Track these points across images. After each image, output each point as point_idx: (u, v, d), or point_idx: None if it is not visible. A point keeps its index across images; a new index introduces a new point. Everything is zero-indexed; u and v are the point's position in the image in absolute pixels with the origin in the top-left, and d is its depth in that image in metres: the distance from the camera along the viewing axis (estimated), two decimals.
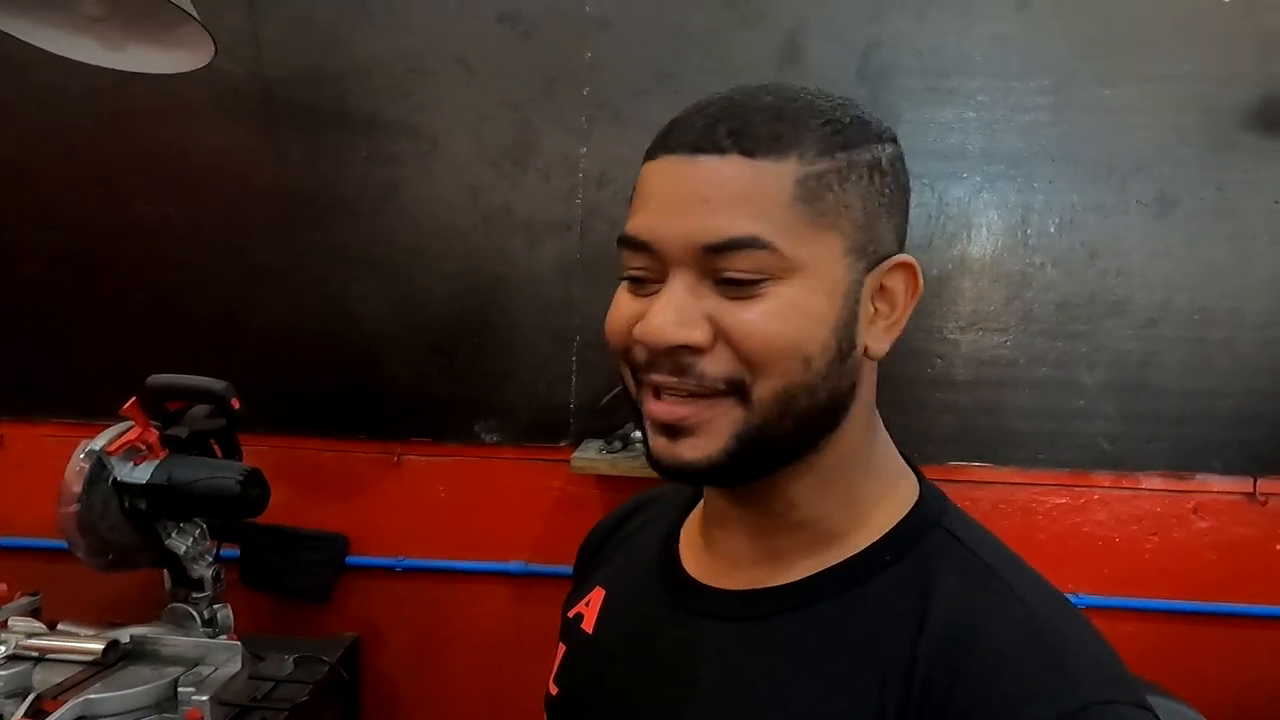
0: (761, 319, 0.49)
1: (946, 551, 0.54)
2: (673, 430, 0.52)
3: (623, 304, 0.54)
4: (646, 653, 0.60)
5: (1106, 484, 1.64)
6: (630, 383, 0.56)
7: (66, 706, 1.25)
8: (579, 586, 0.72)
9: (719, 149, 0.50)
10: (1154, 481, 1.63)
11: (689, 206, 0.49)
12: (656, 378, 0.52)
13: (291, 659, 1.53)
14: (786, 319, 0.49)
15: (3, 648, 1.33)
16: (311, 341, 1.68)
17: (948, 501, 0.59)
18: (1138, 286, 1.61)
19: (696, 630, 0.58)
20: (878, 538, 0.56)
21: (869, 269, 0.52)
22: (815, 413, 0.52)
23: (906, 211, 0.56)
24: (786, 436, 0.52)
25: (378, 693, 1.73)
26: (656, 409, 0.52)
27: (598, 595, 0.68)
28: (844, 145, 0.51)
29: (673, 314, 0.50)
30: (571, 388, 1.68)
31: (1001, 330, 1.64)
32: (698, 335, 0.50)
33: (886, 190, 0.53)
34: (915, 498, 0.58)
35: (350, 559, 1.71)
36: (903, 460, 0.61)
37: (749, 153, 0.49)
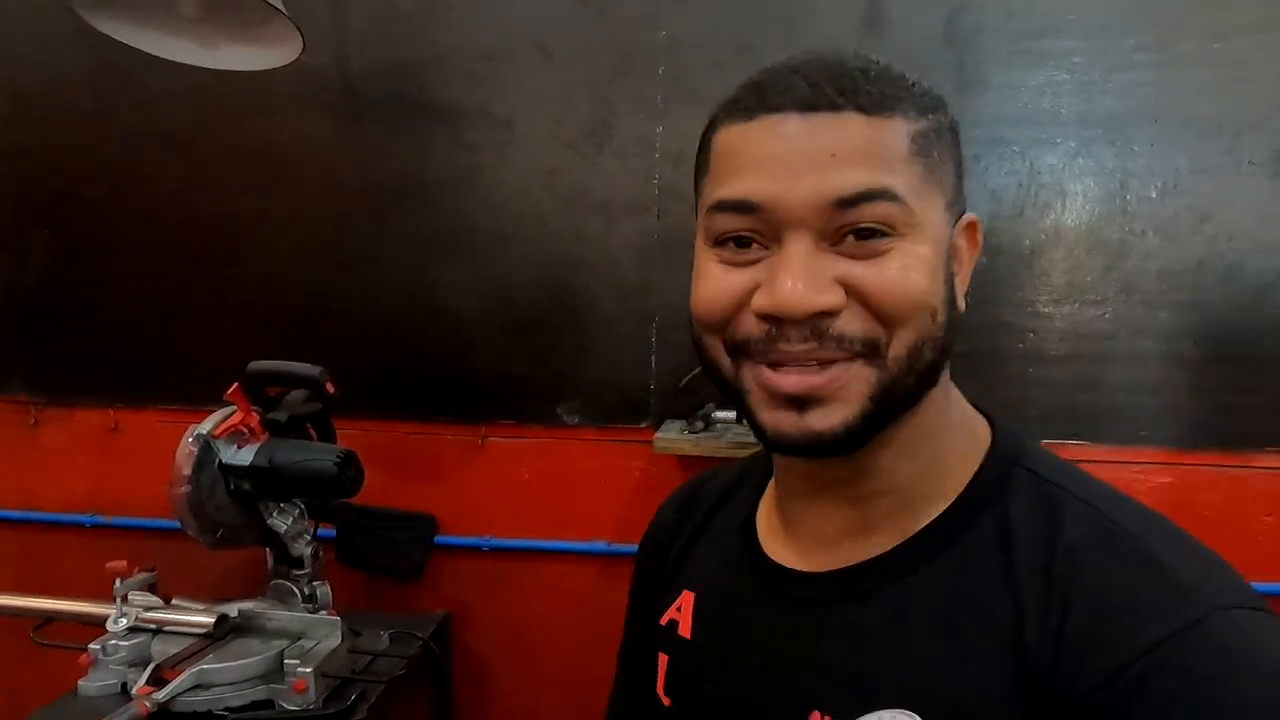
0: (900, 273, 0.49)
1: (1029, 490, 0.53)
2: (803, 402, 0.50)
3: (719, 275, 0.52)
4: (756, 651, 0.59)
5: (1216, 461, 1.55)
6: (723, 360, 0.54)
7: (184, 675, 1.33)
8: (659, 590, 0.71)
9: (834, 106, 0.49)
10: (1269, 459, 1.53)
11: (814, 163, 0.48)
12: (786, 348, 0.50)
13: (387, 634, 1.58)
14: (919, 273, 0.49)
15: (125, 620, 1.41)
16: (398, 327, 1.72)
17: (1024, 439, 0.58)
18: (1249, 251, 1.51)
19: (802, 620, 0.57)
20: (961, 491, 0.55)
21: (953, 225, 0.53)
22: (933, 366, 0.52)
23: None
24: (907, 393, 0.52)
25: (468, 668, 1.78)
26: (784, 381, 0.50)
27: (688, 599, 0.66)
28: (933, 107, 0.52)
29: (807, 279, 0.48)
30: (651, 368, 1.68)
31: (1099, 302, 1.56)
32: (835, 299, 0.49)
33: (959, 151, 0.55)
34: (989, 442, 0.57)
35: (439, 539, 1.75)
36: (972, 408, 0.60)
37: (865, 110, 0.49)
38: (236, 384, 1.40)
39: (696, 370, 1.61)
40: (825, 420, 0.50)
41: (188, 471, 1.37)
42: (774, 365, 0.51)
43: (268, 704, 1.36)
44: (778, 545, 0.61)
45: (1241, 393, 1.53)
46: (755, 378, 0.52)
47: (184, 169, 1.75)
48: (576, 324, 1.70)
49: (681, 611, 0.66)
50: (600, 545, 1.71)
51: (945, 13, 1.54)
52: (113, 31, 1.30)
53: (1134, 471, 1.57)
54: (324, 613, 1.48)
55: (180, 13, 1.29)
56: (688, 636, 0.65)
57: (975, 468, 0.55)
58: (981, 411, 0.60)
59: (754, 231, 0.51)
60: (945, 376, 0.56)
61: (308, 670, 1.35)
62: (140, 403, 1.80)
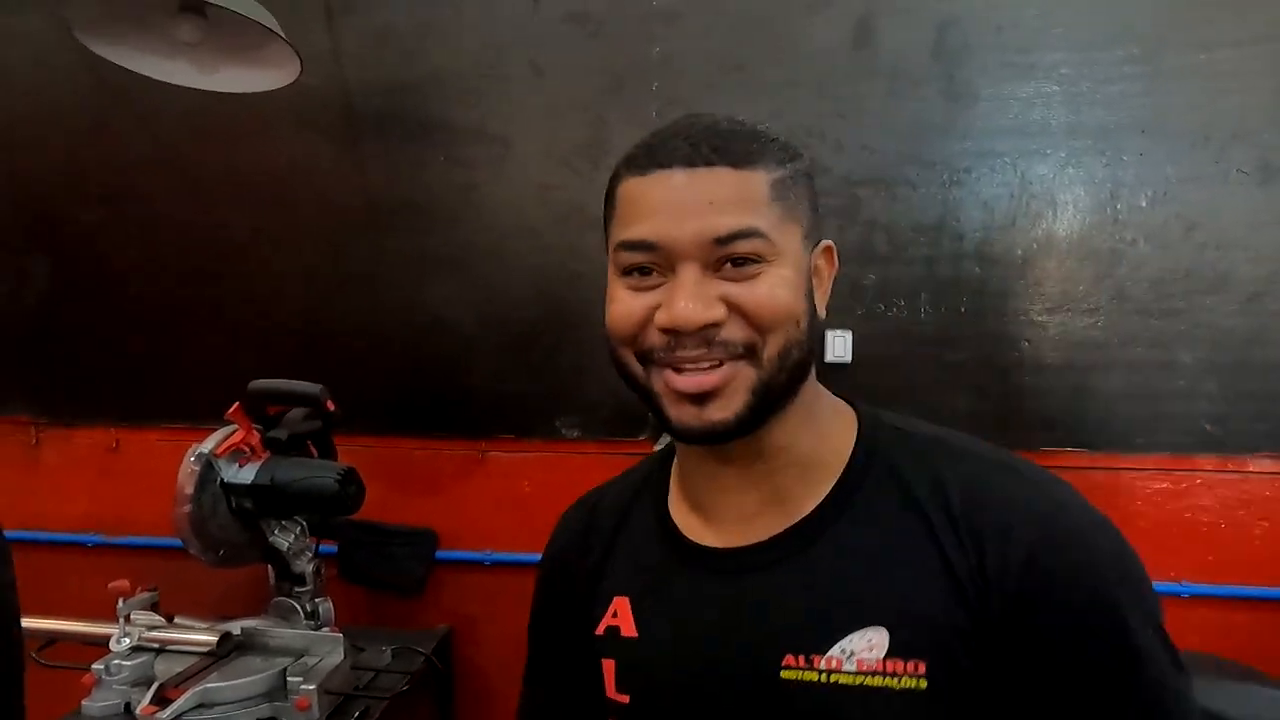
0: (768, 291, 0.61)
1: (903, 446, 0.67)
2: (701, 398, 0.62)
3: (627, 299, 0.64)
4: (708, 629, 0.67)
5: (1210, 467, 1.56)
6: (636, 368, 0.65)
7: (188, 694, 1.33)
8: (581, 605, 0.76)
9: (709, 162, 0.61)
10: (1262, 463, 1.55)
11: (696, 209, 0.60)
12: (683, 354, 0.62)
13: (389, 650, 1.59)
14: (783, 290, 0.61)
15: (128, 640, 1.42)
16: (397, 344, 1.74)
17: (877, 409, 0.71)
18: (1240, 260, 1.53)
19: (744, 589, 0.66)
20: (848, 457, 0.67)
21: (810, 251, 0.66)
22: (801, 364, 0.64)
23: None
24: (783, 386, 0.63)
25: (471, 683, 1.79)
26: (684, 382, 0.62)
27: (622, 604, 0.73)
28: (789, 158, 0.65)
29: (696, 299, 0.60)
30: None
31: (1092, 311, 1.58)
32: (719, 313, 0.61)
33: (814, 191, 0.67)
34: (856, 416, 0.71)
35: (440, 553, 1.76)
36: (832, 394, 0.73)
37: (734, 164, 0.61)
38: (237, 403, 1.41)
39: None
40: (721, 412, 0.62)
41: (190, 490, 1.38)
42: (676, 369, 0.62)
43: None
44: (701, 533, 0.70)
45: (1235, 399, 1.55)
46: (662, 381, 0.63)
47: (182, 190, 1.77)
48: (574, 338, 1.71)
49: (619, 616, 0.73)
50: None
51: (933, 29, 1.56)
52: (113, 56, 1.32)
53: (1131, 478, 1.58)
54: (326, 629, 1.48)
55: (179, 38, 1.31)
56: (634, 635, 0.71)
57: (854, 437, 0.68)
58: (841, 396, 0.74)
59: (653, 263, 0.62)
60: (811, 374, 0.68)
61: (311, 688, 1.35)
62: (140, 422, 1.81)
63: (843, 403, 0.72)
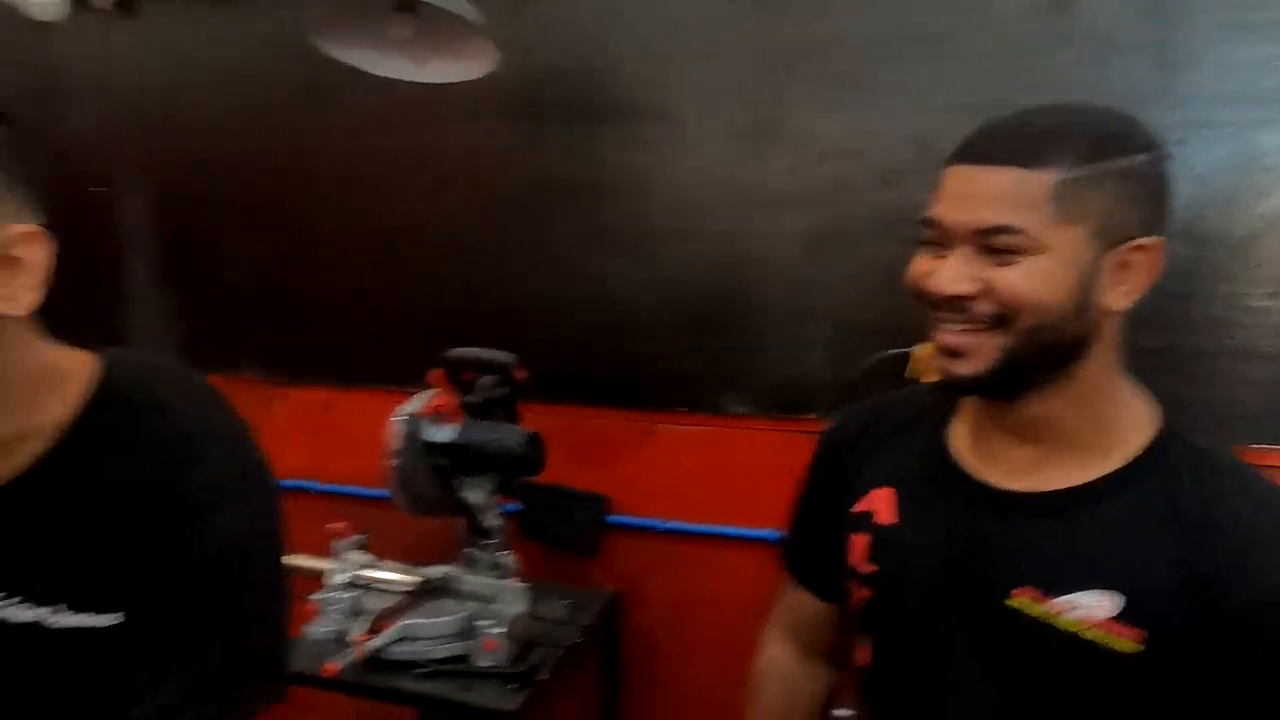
0: (1019, 277, 0.70)
1: (1190, 459, 0.74)
2: (951, 353, 0.75)
3: (921, 263, 0.77)
4: (963, 541, 0.79)
5: None
6: (927, 320, 0.77)
7: (394, 627, 1.50)
8: (843, 483, 0.91)
9: (995, 161, 0.71)
10: None
11: (971, 202, 0.71)
12: (941, 315, 0.75)
13: (564, 604, 1.70)
14: (1036, 280, 0.70)
15: (345, 575, 1.60)
16: (576, 319, 1.83)
17: (1188, 434, 0.77)
18: None
19: (1004, 525, 0.77)
20: (1131, 450, 0.76)
21: (1109, 248, 0.71)
22: (1058, 345, 0.73)
23: (1161, 203, 0.74)
24: (1033, 361, 0.73)
25: (636, 643, 1.87)
26: (941, 337, 0.75)
27: (885, 494, 0.86)
28: (1098, 157, 0.70)
29: (951, 274, 0.73)
30: (819, 361, 1.69)
31: None
32: (968, 288, 0.72)
33: (1137, 189, 0.71)
34: (1161, 422, 0.77)
35: (612, 518, 1.85)
36: (1143, 398, 0.79)
37: (1018, 164, 0.69)
38: (439, 369, 1.54)
39: (872, 360, 1.62)
40: (963, 369, 0.74)
41: (397, 446, 1.53)
42: (940, 327, 0.75)
43: (462, 659, 1.50)
44: (975, 466, 0.82)
45: None
46: (933, 333, 0.77)
47: (385, 175, 1.94)
48: (745, 316, 1.73)
49: (878, 503, 0.86)
50: (768, 532, 1.74)
51: None
52: (338, 54, 1.47)
53: None
54: (511, 580, 1.60)
55: (393, 35, 1.44)
56: (894, 522, 0.85)
57: (1145, 435, 0.76)
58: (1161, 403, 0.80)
59: (938, 239, 0.75)
60: (1106, 361, 0.76)
61: (499, 632, 1.48)
62: (350, 384, 2.01)
63: (1144, 403, 0.79)
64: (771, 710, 1.05)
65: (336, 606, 1.59)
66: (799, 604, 1.03)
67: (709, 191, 1.73)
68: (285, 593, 0.75)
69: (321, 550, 1.64)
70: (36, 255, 0.62)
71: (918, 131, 1.56)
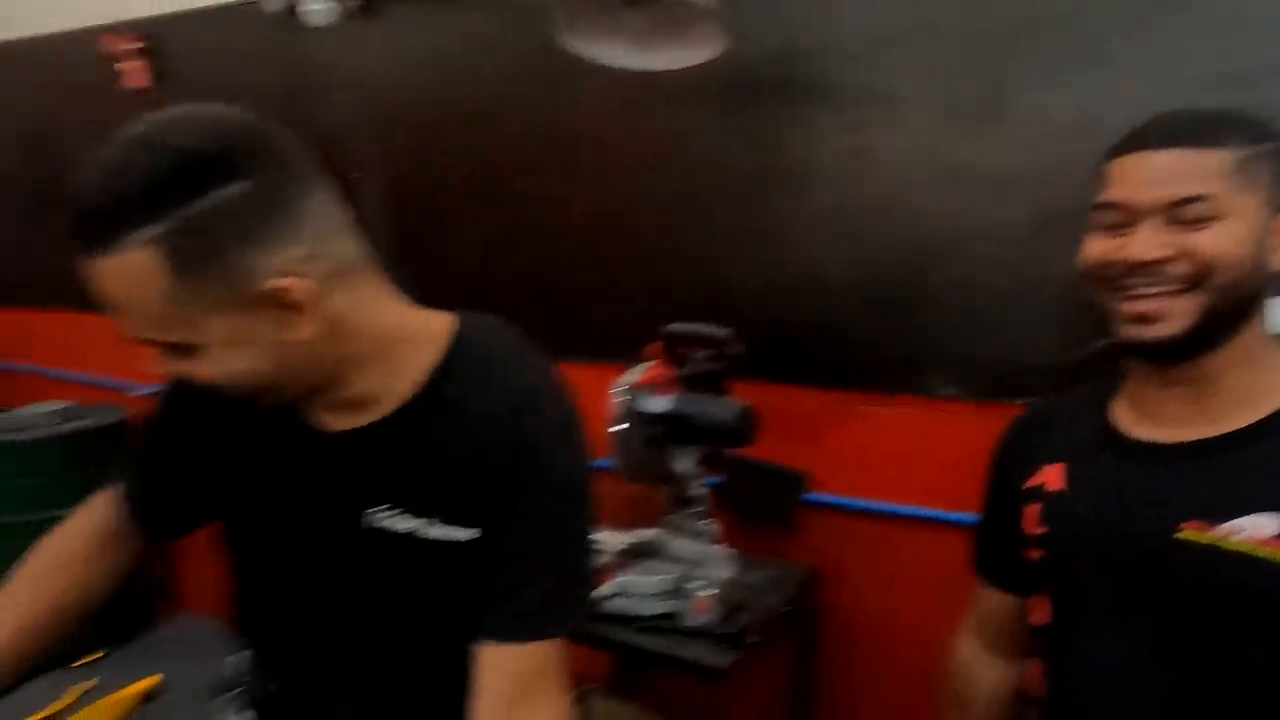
0: (1210, 239, 0.81)
1: None
2: (1145, 319, 0.83)
3: (1100, 242, 0.88)
4: (1128, 493, 0.87)
5: None
6: (1100, 295, 0.88)
7: (612, 582, 1.60)
8: (1019, 470, 0.99)
9: (1183, 144, 0.83)
10: None
11: (1158, 179, 0.83)
12: (1136, 282, 0.83)
13: (764, 575, 1.75)
14: (1225, 240, 0.81)
15: None
16: (785, 298, 1.87)
17: None
18: None
19: (1168, 472, 0.86)
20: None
21: (1274, 215, 0.84)
22: (1241, 302, 0.83)
23: None
24: (1226, 317, 0.83)
25: (831, 619, 1.90)
26: (1137, 306, 0.84)
27: (1056, 468, 0.94)
28: (1264, 138, 0.83)
29: (1148, 243, 0.82)
30: (1036, 346, 1.65)
31: None
32: (1166, 252, 0.82)
33: None
34: None
35: (810, 496, 1.88)
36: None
37: (1197, 146, 0.82)
38: (657, 342, 1.63)
39: (1095, 346, 1.56)
40: (1162, 330, 0.83)
41: (618, 415, 1.63)
42: (1131, 296, 0.84)
43: (673, 617, 1.59)
44: (1137, 430, 0.90)
45: None
46: (1119, 304, 0.85)
47: (601, 160, 2.05)
48: (958, 298, 1.71)
49: (1049, 476, 0.94)
50: (969, 516, 1.72)
51: None
52: (579, 49, 1.57)
53: None
54: (717, 547, 1.67)
55: (628, 28, 1.52)
56: (1062, 489, 0.93)
57: None
58: None
59: (1120, 221, 0.85)
60: (1261, 320, 0.86)
61: (710, 593, 1.55)
62: (571, 357, 2.14)
63: None
64: (956, 700, 1.15)
65: None
66: (985, 600, 1.11)
67: (924, 171, 1.71)
68: (594, 523, 0.85)
69: None
70: (306, 296, 0.69)
71: (1161, 105, 1.48)
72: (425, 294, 2.41)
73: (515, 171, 2.16)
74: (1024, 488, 0.97)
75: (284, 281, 0.67)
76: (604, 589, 1.59)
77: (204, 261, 0.64)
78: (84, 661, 0.93)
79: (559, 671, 0.80)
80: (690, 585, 1.60)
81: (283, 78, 2.49)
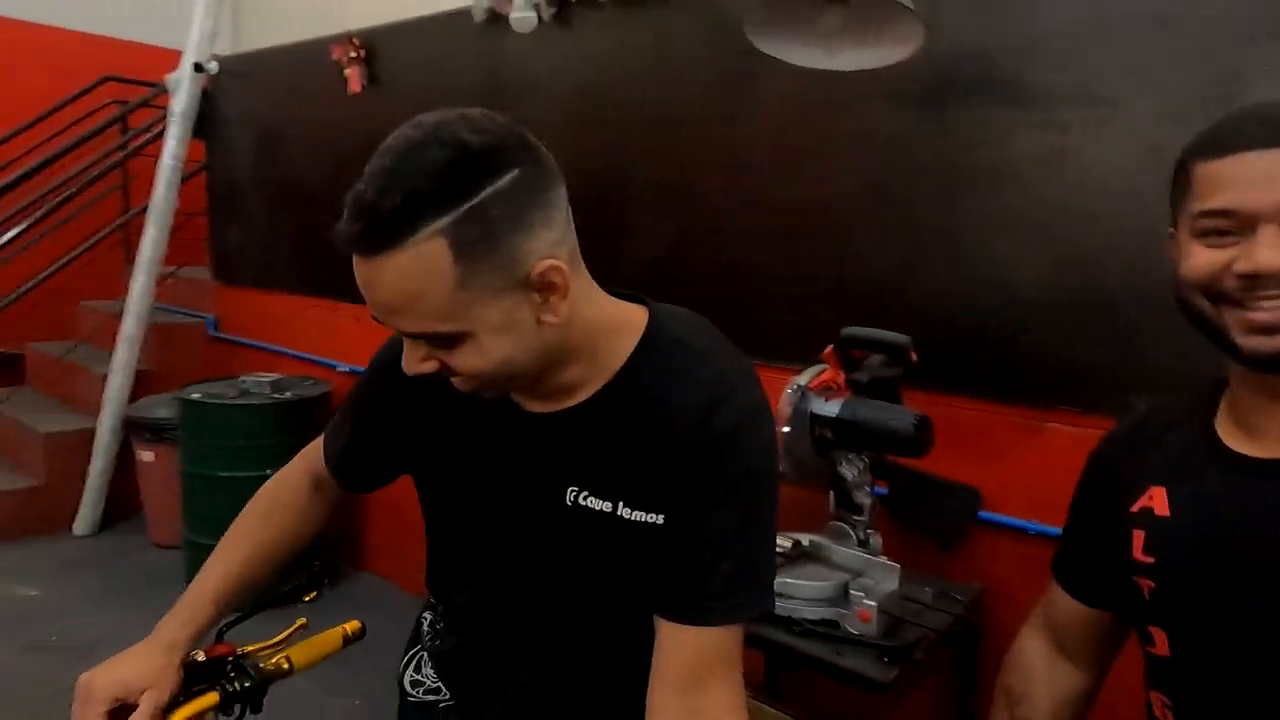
0: None
1: None
2: (1269, 329, 0.77)
3: (1206, 254, 0.80)
4: (1234, 514, 0.82)
5: None
6: (1206, 307, 0.81)
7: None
8: (1119, 490, 0.92)
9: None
10: None
11: (1274, 181, 0.76)
12: (1260, 294, 0.77)
13: (930, 591, 1.69)
14: None
15: None
16: (968, 305, 1.80)
17: None
18: None
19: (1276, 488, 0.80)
20: None
21: None
22: None
23: None
24: None
25: (998, 644, 1.81)
26: (1260, 317, 0.77)
27: (1159, 491, 0.88)
28: None
29: (1275, 250, 0.75)
30: None
31: None
32: None
33: None
34: None
35: (982, 514, 1.80)
36: None
37: None
38: (831, 345, 1.61)
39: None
40: None
41: (787, 414, 1.63)
42: (1251, 307, 0.77)
43: (833, 624, 1.57)
44: (1243, 445, 0.84)
45: None
46: (1235, 317, 0.79)
47: (783, 160, 2.05)
48: (1163, 310, 1.58)
49: (1153, 499, 0.88)
50: None
51: None
52: (768, 48, 1.58)
53: None
54: (882, 558, 1.64)
55: (823, 28, 1.52)
56: (1167, 514, 0.87)
57: None
58: None
59: (1230, 227, 0.78)
60: None
61: (873, 604, 1.52)
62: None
63: None
64: (1009, 693, 1.09)
65: None
66: (1057, 604, 1.06)
67: (1139, 175, 1.59)
68: (777, 513, 0.87)
69: None
70: (564, 278, 0.74)
71: None
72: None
73: (698, 172, 2.21)
74: (1127, 511, 0.91)
75: (550, 262, 0.72)
76: None
77: (484, 248, 0.69)
78: (303, 601, 1.05)
79: (736, 658, 0.81)
80: (852, 593, 1.57)
81: (484, 82, 2.67)
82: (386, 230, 0.67)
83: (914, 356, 1.58)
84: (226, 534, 0.98)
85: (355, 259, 0.70)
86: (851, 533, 1.70)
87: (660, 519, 0.82)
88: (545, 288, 0.74)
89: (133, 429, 3.54)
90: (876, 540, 1.70)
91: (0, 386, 4.22)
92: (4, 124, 4.20)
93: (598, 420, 0.83)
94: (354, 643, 1.05)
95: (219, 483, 3.00)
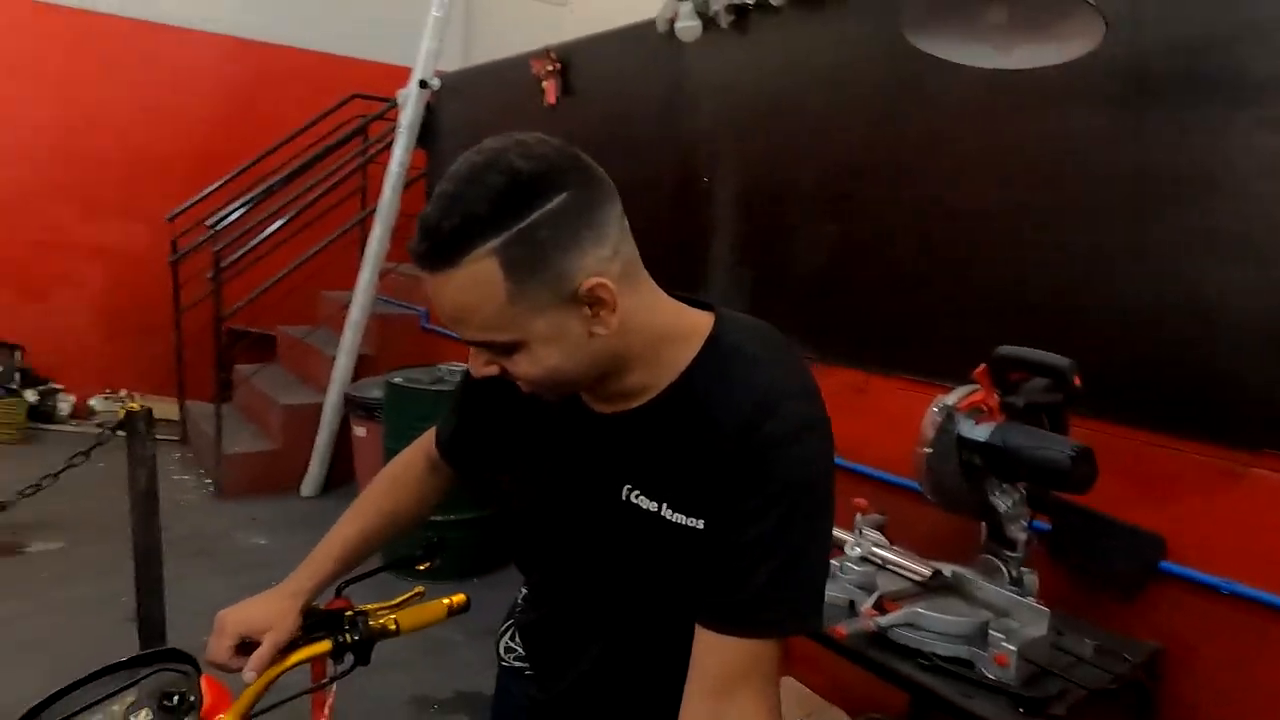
0: None
1: None
2: None
3: None
4: None
5: None
6: None
7: (902, 611, 1.52)
8: None
9: None
10: None
11: None
12: None
13: (1091, 644, 1.52)
14: None
15: (859, 549, 1.68)
16: (1155, 329, 1.60)
17: None
18: None
19: None
20: None
21: None
22: None
23: None
24: None
25: (1173, 712, 1.59)
26: None
27: None
28: None
29: None
30: None
31: None
32: None
33: None
34: None
35: (1164, 564, 1.59)
36: None
37: None
38: (984, 364, 1.50)
39: None
40: None
41: (929, 435, 1.54)
42: None
43: (967, 664, 1.45)
44: None
45: None
46: None
47: (946, 168, 1.93)
48: None
49: None
50: None
51: None
52: (928, 47, 1.50)
53: None
54: (1031, 600, 1.50)
55: (988, 22, 1.41)
56: None
57: None
58: None
59: None
60: None
61: (1013, 649, 1.40)
62: (885, 369, 2.07)
63: None
64: None
65: (849, 576, 1.67)
66: None
67: None
68: (830, 534, 0.83)
69: (841, 522, 1.74)
70: (611, 294, 0.77)
71: None
72: (759, 296, 2.49)
73: (865, 178, 2.13)
74: None
75: (597, 280, 0.76)
76: (893, 616, 1.52)
77: (533, 266, 0.73)
78: (419, 569, 1.16)
79: (770, 672, 0.79)
80: (991, 634, 1.45)
81: (665, 91, 2.74)
82: (446, 250, 0.74)
83: (1078, 381, 1.42)
84: (354, 503, 1.10)
85: (423, 274, 0.77)
86: (1003, 569, 1.57)
87: (700, 524, 0.82)
88: (594, 302, 0.77)
89: (351, 406, 3.98)
90: (1031, 580, 1.56)
91: (256, 362, 4.90)
92: (271, 136, 4.88)
93: (653, 423, 0.85)
94: (458, 614, 1.13)
95: None
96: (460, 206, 0.73)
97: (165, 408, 4.79)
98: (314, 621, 1.02)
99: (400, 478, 1.11)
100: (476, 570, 3.25)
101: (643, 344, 0.82)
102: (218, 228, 4.17)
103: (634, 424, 0.86)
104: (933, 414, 1.55)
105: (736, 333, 0.86)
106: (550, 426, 0.93)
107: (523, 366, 0.79)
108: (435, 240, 0.74)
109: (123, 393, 5.07)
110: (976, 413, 1.52)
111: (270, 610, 0.97)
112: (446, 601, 1.12)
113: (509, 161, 0.74)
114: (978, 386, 1.53)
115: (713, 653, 0.79)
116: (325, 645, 1.01)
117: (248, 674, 0.93)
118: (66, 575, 3.11)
